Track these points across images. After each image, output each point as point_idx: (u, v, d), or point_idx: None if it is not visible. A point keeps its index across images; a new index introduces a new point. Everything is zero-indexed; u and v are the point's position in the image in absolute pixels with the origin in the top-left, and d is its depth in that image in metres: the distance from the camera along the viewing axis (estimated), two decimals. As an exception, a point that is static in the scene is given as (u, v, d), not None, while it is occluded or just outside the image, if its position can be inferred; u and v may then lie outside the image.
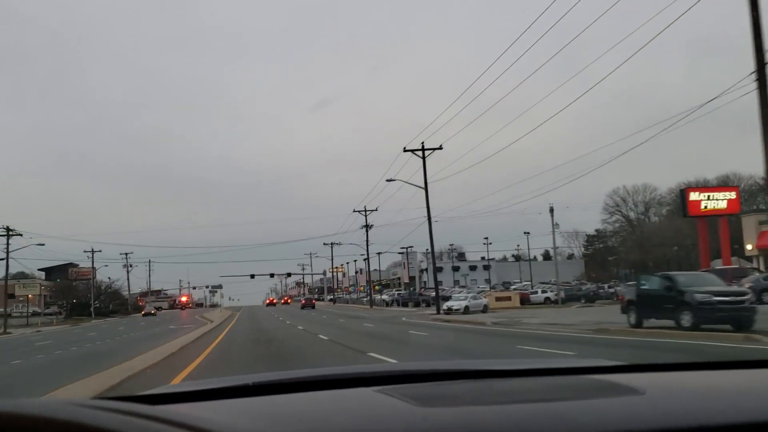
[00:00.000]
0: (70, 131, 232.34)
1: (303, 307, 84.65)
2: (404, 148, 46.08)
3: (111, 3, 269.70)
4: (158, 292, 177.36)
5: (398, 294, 77.83)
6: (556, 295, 58.65)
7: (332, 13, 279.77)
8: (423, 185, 44.98)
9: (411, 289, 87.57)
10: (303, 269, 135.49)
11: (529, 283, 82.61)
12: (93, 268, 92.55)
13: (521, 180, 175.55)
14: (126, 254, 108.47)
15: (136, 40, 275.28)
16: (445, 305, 41.91)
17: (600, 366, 1.95)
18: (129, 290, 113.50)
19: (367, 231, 74.27)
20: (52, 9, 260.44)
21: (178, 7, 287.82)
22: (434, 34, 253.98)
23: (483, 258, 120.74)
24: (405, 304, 66.29)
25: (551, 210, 60.27)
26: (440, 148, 45.41)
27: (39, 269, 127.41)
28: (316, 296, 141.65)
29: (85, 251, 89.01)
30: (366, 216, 74.44)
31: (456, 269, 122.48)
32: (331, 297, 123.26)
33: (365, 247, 77.04)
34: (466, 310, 40.87)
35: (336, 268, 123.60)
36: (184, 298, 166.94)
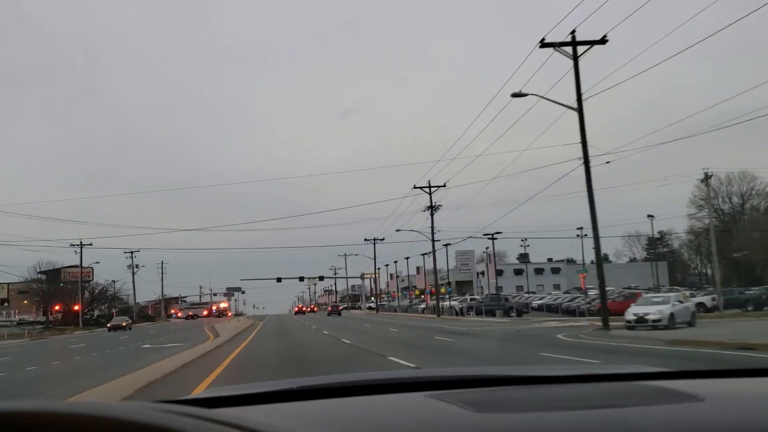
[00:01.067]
0: (98, 144, 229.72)
1: (329, 314, 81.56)
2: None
3: (138, 18, 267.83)
4: (176, 299, 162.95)
5: (471, 299, 59.95)
6: (713, 300, 42.10)
7: (357, 24, 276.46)
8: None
9: (493, 292, 68.51)
10: (335, 273, 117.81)
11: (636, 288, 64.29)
12: (81, 266, 75.45)
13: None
14: (131, 252, 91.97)
15: (165, 55, 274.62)
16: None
17: (654, 372, 1.93)
18: (134, 294, 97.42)
19: (432, 214, 56.81)
20: (79, 24, 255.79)
21: (204, 22, 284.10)
22: (457, 42, 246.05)
23: (550, 259, 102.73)
24: (489, 313, 48.70)
25: (706, 179, 42.56)
26: (444, 186, 54.08)
27: (39, 272, 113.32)
28: (349, 304, 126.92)
29: (72, 244, 72.18)
30: (430, 193, 56.92)
31: (518, 273, 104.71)
32: (371, 304, 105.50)
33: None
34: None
35: (369, 274, 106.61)
36: (223, 304, 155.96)
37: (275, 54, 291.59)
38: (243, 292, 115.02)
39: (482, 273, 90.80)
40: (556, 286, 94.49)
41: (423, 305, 73.06)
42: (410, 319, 55.78)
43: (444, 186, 55.57)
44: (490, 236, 61.37)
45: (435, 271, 63.65)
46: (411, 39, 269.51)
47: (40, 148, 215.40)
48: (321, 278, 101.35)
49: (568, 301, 46.94)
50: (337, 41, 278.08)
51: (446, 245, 70.50)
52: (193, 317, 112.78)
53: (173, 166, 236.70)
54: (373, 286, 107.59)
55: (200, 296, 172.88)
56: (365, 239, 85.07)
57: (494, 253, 69.16)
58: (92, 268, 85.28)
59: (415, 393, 1.59)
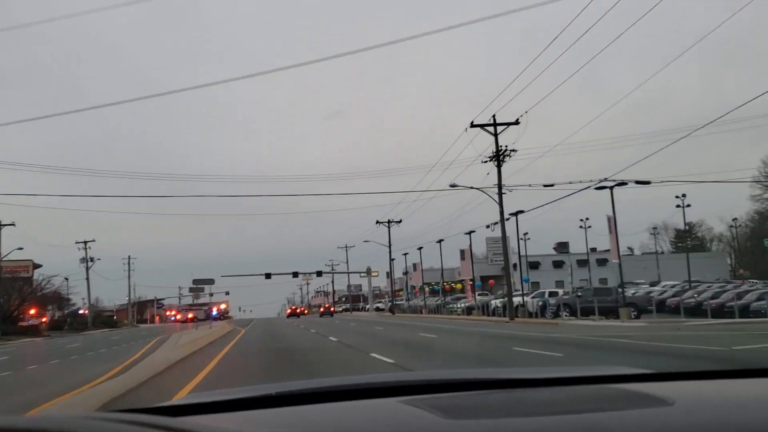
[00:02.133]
0: (86, 147, 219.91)
1: (322, 315, 77.90)
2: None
3: (121, 18, 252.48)
4: (151, 301, 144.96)
5: (566, 294, 41.50)
6: None
7: (343, 24, 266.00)
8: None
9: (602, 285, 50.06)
10: (332, 268, 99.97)
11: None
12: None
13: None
14: (85, 243, 74.25)
15: (149, 54, 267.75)
16: None
17: (626, 374, 1.91)
18: (89, 294, 78.23)
19: (500, 175, 38.95)
20: (64, 24, 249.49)
21: (191, 21, 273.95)
22: (448, 43, 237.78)
23: (594, 249, 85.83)
24: (591, 312, 31.32)
25: None
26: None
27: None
28: (350, 305, 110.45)
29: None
30: (496, 133, 38.97)
31: (558, 265, 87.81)
32: (380, 305, 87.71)
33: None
34: None
35: (375, 272, 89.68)
36: (224, 305, 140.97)
37: (261, 55, 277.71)
38: (212, 282, 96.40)
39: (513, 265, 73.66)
40: (603, 280, 78.04)
41: (463, 303, 55.49)
42: (463, 323, 38.39)
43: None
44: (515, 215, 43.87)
45: (505, 248, 45.67)
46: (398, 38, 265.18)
47: (25, 150, 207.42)
48: (319, 273, 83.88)
49: (757, 299, 29.29)
50: (325, 43, 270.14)
51: (439, 240, 54.42)
52: (193, 320, 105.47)
53: (159, 167, 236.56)
54: (386, 281, 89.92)
55: (179, 297, 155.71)
56: (377, 222, 67.35)
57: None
58: (31, 262, 67.38)
59: (389, 398, 1.58)
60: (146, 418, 0.78)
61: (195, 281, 45.59)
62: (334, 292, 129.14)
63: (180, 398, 1.82)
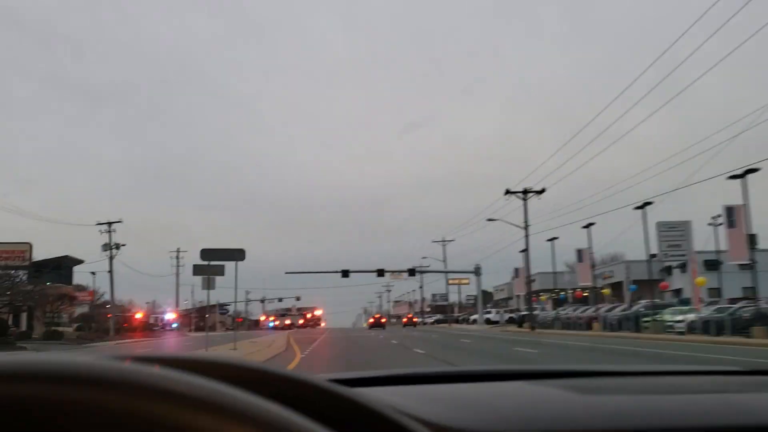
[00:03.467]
0: (172, 159, 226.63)
1: (405, 325, 69.60)
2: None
3: (206, 35, 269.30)
4: (213, 306, 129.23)
5: None
6: None
7: (420, 36, 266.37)
8: None
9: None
10: (419, 270, 79.37)
11: None
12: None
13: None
14: (108, 224, 58.06)
15: (231, 69, 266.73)
16: None
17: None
18: (112, 287, 61.11)
19: None
20: (154, 44, 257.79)
21: (269, 36, 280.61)
22: (527, 52, 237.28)
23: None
24: None
25: None
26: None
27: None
28: (442, 316, 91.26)
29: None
30: None
31: (713, 266, 64.48)
32: (490, 316, 66.69)
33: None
34: None
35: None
36: (318, 311, 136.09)
37: (340, 68, 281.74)
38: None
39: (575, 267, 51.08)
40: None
41: (688, 316, 33.39)
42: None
43: None
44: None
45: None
46: (476, 48, 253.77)
47: (116, 163, 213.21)
48: (411, 272, 63.75)
49: None
50: (401, 54, 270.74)
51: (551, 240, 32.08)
52: (290, 327, 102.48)
53: (240, 179, 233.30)
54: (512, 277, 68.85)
55: (246, 302, 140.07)
56: (507, 191, 46.04)
57: None
58: (29, 245, 50.43)
59: (517, 381, 1.64)
60: (330, 385, 0.77)
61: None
62: (423, 299, 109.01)
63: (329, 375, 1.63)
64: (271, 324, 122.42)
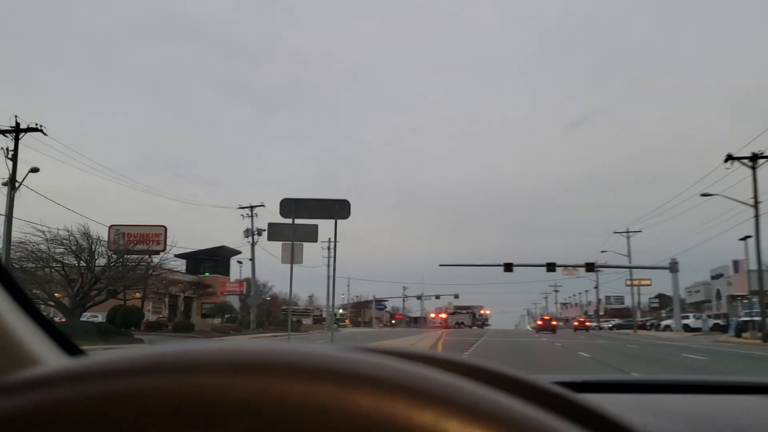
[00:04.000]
0: (340, 159, 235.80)
1: (576, 329, 60.52)
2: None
3: (373, 38, 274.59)
4: (369, 302, 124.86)
5: None
6: None
7: (587, 26, 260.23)
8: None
9: None
10: (600, 266, 68.30)
11: None
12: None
13: None
14: (251, 207, 52.97)
15: (398, 72, 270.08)
16: None
17: None
18: (253, 276, 57.26)
19: None
20: (321, 49, 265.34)
21: (431, 39, 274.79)
22: (705, 40, 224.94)
23: None
24: None
25: None
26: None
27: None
28: (618, 321, 79.62)
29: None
30: None
31: None
32: (718, 319, 54.58)
33: None
34: None
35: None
36: (486, 311, 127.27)
37: (501, 64, 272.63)
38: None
39: None
40: None
41: None
42: None
43: None
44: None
45: None
46: (649, 38, 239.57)
47: (290, 164, 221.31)
48: (590, 266, 53.26)
49: None
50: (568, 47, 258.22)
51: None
52: (460, 326, 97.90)
53: (402, 180, 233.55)
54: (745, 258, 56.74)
55: (403, 299, 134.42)
56: (730, 157, 34.56)
57: None
58: (164, 228, 46.84)
59: (744, 395, 1.46)
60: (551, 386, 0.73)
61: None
62: (598, 300, 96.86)
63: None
64: (439, 322, 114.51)
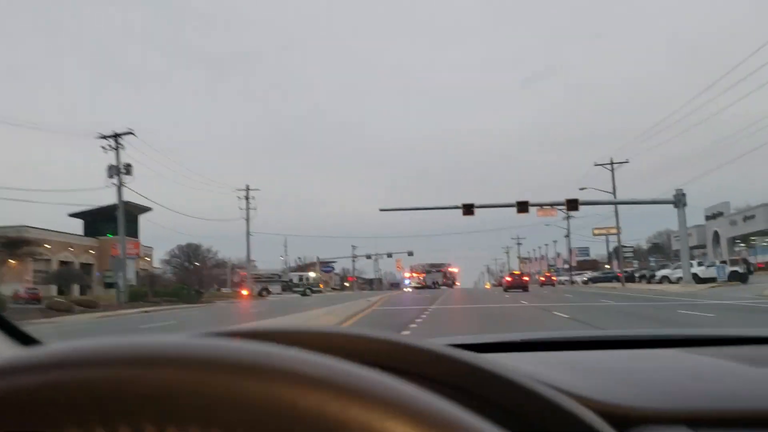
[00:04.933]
0: (292, 120, 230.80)
1: (507, 288, 45.44)
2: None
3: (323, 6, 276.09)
4: (312, 264, 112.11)
5: None
6: None
7: None
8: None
9: None
10: (585, 202, 56.55)
11: None
12: None
13: None
14: (247, 189, 47.04)
15: (351, 31, 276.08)
16: None
17: None
18: (248, 254, 54.70)
19: None
20: (277, 11, 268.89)
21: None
22: None
23: None
24: None
25: None
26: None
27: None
28: (594, 273, 69.47)
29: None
30: None
31: None
32: (736, 266, 42.92)
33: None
34: None
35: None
36: (454, 269, 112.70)
37: (456, 22, 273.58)
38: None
39: None
40: None
41: None
42: None
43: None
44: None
45: None
46: None
47: (242, 129, 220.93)
48: (572, 204, 41.00)
49: None
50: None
51: None
52: (434, 286, 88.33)
53: (356, 140, 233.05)
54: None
55: (353, 258, 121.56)
56: None
57: None
58: None
59: (662, 349, 1.44)
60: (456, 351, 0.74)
61: None
62: (570, 251, 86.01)
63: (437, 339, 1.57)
64: (408, 282, 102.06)
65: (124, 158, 41.37)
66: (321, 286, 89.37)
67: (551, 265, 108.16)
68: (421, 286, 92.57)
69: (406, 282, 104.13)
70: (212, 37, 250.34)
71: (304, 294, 72.53)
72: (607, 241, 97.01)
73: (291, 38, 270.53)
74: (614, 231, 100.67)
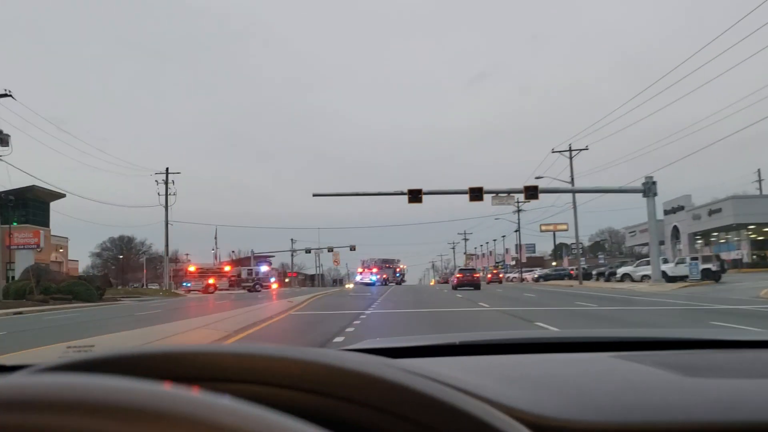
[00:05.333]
0: (239, 114, 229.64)
1: (457, 286, 40.16)
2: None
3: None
4: (247, 258, 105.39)
5: None
6: None
7: None
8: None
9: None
10: (545, 190, 52.59)
11: None
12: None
13: None
14: (166, 172, 41.35)
15: (296, 25, 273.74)
16: None
17: None
18: (166, 245, 46.01)
19: None
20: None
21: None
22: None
23: None
24: None
25: None
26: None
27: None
28: (544, 270, 66.01)
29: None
30: None
31: None
32: (709, 263, 38.92)
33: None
34: None
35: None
36: (403, 265, 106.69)
37: (404, 20, 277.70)
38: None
39: None
40: None
41: None
42: None
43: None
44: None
45: None
46: None
47: (186, 120, 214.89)
48: (531, 192, 36.12)
49: None
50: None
51: None
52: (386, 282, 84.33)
53: (305, 134, 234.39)
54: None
55: (292, 253, 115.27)
56: None
57: None
58: None
59: (599, 353, 1.39)
60: (378, 358, 0.73)
61: None
62: (520, 246, 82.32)
63: (363, 342, 1.58)
64: (360, 278, 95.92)
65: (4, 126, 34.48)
66: (276, 283, 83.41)
67: (498, 262, 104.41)
68: (369, 283, 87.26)
69: (358, 278, 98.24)
70: (151, 24, 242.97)
71: (252, 290, 66.59)
72: (554, 238, 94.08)
73: (234, 29, 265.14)
74: (562, 227, 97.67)
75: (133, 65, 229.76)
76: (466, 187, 35.60)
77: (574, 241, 57.28)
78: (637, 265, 43.37)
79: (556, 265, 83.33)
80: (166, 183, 50.53)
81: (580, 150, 45.52)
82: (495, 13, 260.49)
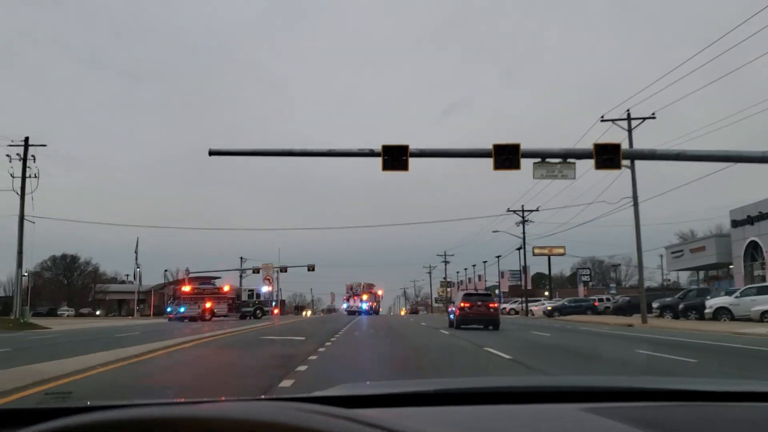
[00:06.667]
0: (211, 139, 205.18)
1: (461, 324, 30.25)
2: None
3: (245, 20, 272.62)
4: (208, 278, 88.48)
5: None
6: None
7: (462, 18, 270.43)
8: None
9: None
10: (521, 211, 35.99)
11: None
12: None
13: None
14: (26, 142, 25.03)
15: (271, 52, 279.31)
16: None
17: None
18: (20, 238, 30.55)
19: None
20: (191, 24, 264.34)
21: (309, 20, 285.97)
22: (570, 36, 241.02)
23: None
24: None
25: None
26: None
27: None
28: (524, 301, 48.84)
29: None
30: None
31: None
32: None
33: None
34: None
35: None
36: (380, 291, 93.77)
37: (380, 51, 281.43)
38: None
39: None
40: None
41: None
42: None
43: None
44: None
45: None
46: (521, 31, 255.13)
47: (156, 145, 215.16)
48: (602, 159, 20.93)
49: None
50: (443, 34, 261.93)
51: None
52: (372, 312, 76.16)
53: (282, 163, 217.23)
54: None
55: (241, 273, 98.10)
56: None
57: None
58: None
59: (569, 404, 1.36)
60: (326, 409, 0.71)
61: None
62: (501, 274, 67.08)
63: (330, 390, 1.55)
64: (347, 306, 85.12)
65: None
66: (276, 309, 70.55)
67: (489, 288, 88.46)
68: (358, 311, 76.23)
69: (344, 306, 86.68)
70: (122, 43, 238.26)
71: (254, 316, 57.66)
72: (549, 263, 78.65)
73: (202, 48, 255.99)
74: (559, 251, 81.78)
75: (105, 87, 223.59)
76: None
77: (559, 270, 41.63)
78: (740, 296, 27.42)
79: (546, 295, 69.35)
80: (24, 160, 33.81)
81: (631, 119, 29.92)
82: (469, 51, 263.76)
